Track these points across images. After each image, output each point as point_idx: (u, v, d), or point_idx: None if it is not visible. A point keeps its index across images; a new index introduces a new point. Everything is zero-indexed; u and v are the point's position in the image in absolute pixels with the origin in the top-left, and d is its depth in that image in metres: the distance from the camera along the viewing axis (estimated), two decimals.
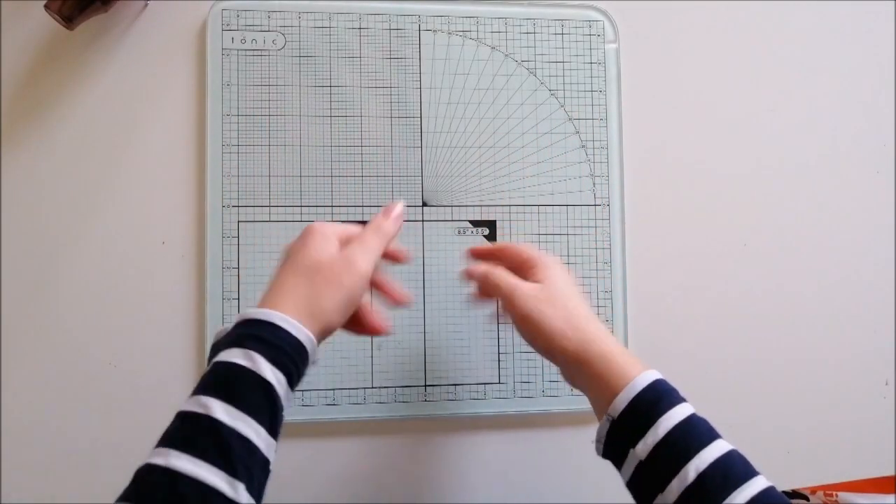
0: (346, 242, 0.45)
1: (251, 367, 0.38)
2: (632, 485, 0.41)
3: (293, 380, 0.40)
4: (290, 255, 0.44)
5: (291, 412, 0.56)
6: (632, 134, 0.62)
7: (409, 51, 0.60)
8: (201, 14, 0.59)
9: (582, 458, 0.58)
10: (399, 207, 0.48)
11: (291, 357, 0.39)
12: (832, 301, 0.64)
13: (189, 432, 0.37)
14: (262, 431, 0.37)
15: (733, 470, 0.39)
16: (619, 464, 0.42)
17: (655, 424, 0.40)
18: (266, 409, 0.37)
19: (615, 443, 0.42)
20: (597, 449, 0.44)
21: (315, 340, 0.41)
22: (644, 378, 0.42)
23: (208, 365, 0.40)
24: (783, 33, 0.66)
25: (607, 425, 0.42)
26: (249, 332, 0.39)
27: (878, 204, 0.66)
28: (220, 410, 0.36)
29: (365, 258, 0.43)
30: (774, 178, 0.65)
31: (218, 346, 0.40)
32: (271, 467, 0.38)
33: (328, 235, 0.44)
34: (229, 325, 0.41)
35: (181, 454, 0.35)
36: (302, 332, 0.40)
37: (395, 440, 0.59)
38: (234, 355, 0.38)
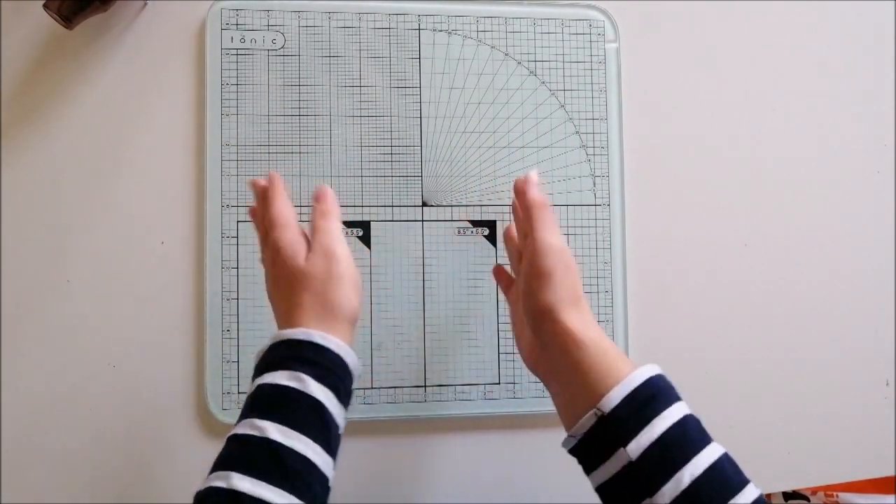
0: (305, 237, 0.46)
1: (299, 388, 0.39)
2: (611, 486, 0.39)
3: (341, 395, 0.41)
4: (274, 276, 0.45)
5: None
6: (632, 134, 0.62)
7: (409, 50, 0.60)
8: (200, 14, 0.59)
9: None
10: (325, 191, 0.47)
11: (336, 373, 0.41)
12: (833, 301, 0.64)
13: (247, 454, 0.38)
14: (319, 449, 0.38)
15: (727, 476, 0.38)
16: (594, 463, 0.40)
17: (651, 423, 0.38)
18: (319, 426, 0.39)
19: (600, 440, 0.40)
20: (566, 443, 0.42)
21: (355, 355, 0.43)
22: (642, 373, 0.40)
23: (252, 388, 0.41)
24: (784, 33, 0.66)
25: (593, 420, 0.40)
26: (291, 354, 0.41)
27: (878, 204, 0.66)
28: (275, 431, 0.37)
29: (333, 240, 0.44)
30: (775, 177, 0.64)
31: (259, 369, 0.41)
32: (331, 484, 0.40)
33: (294, 241, 0.45)
34: (264, 347, 0.43)
35: (243, 476, 0.36)
36: (342, 347, 0.41)
37: (395, 440, 0.59)
38: (281, 377, 0.39)
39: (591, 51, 0.62)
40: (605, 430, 0.39)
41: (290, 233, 0.45)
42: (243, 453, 0.38)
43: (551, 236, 0.44)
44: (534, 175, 0.46)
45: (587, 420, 0.40)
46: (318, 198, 0.47)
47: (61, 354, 0.56)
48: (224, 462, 0.38)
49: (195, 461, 0.57)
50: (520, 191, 0.46)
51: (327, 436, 0.39)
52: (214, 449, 0.56)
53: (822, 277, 0.64)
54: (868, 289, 0.65)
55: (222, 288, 0.57)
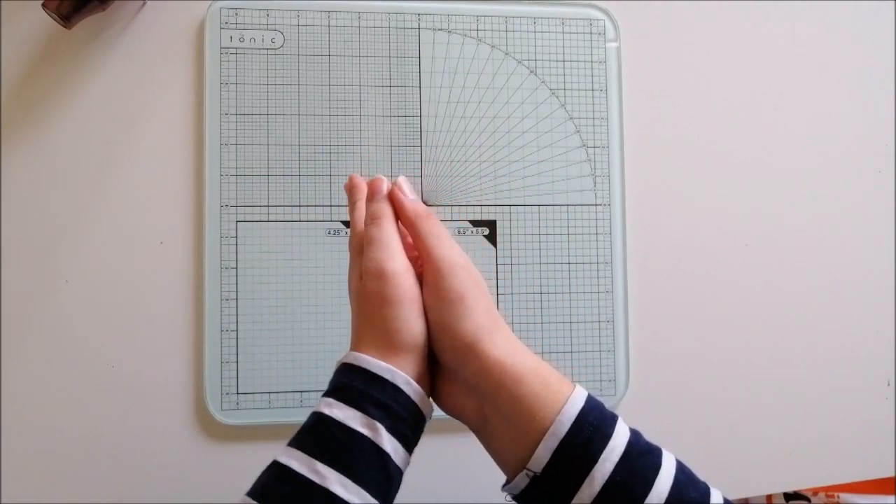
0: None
1: (372, 438, 0.36)
2: None
3: (409, 446, 0.38)
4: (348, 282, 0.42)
5: (293, 413, 0.56)
6: (632, 134, 0.62)
7: (408, 49, 0.60)
8: (199, 13, 0.59)
9: None
10: (376, 186, 0.42)
11: (409, 423, 0.37)
12: (833, 301, 0.64)
13: (302, 500, 0.34)
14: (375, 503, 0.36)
15: (689, 497, 0.35)
16: None
17: (590, 475, 0.35)
18: (382, 480, 0.36)
19: (539, 499, 0.37)
20: (506, 498, 0.39)
21: (430, 403, 0.39)
22: (569, 414, 0.36)
23: (319, 409, 0.37)
24: (785, 33, 0.66)
25: (527, 480, 0.36)
26: (368, 392, 0.37)
27: (879, 203, 0.66)
28: (337, 484, 0.34)
29: (384, 256, 0.39)
30: (776, 177, 0.64)
31: (333, 391, 0.38)
32: None
33: (352, 263, 0.41)
34: (342, 359, 0.39)
35: None
36: (419, 394, 0.38)
37: None
38: (354, 420, 0.36)
39: (591, 50, 0.62)
40: (542, 490, 0.36)
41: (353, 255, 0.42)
42: (298, 497, 0.35)
43: (449, 250, 0.39)
44: (404, 182, 0.42)
45: (520, 480, 0.37)
46: (368, 195, 0.42)
47: (60, 355, 0.56)
48: (271, 496, 0.35)
49: (194, 462, 0.57)
50: (397, 206, 0.42)
51: (387, 488, 0.36)
52: (213, 449, 0.57)
53: (823, 277, 0.64)
54: (869, 288, 0.65)
55: (221, 288, 0.57)
